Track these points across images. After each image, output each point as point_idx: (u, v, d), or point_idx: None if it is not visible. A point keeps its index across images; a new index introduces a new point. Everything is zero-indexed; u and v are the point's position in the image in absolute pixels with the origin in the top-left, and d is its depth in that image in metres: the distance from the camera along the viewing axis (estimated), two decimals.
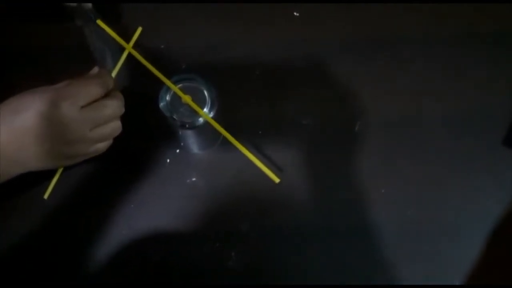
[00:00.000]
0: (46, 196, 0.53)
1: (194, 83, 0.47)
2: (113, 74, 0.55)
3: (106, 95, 0.48)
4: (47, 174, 0.54)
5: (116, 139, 0.52)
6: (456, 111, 0.57)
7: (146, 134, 0.56)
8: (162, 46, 0.58)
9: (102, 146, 0.50)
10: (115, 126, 0.49)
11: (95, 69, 0.51)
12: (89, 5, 0.54)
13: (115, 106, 0.48)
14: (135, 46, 0.57)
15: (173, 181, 0.55)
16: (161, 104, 0.46)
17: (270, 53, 0.59)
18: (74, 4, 0.54)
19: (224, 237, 0.53)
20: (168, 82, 0.47)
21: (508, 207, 0.54)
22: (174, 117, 0.46)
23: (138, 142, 0.55)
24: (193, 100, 0.46)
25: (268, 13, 0.60)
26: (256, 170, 0.55)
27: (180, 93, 0.46)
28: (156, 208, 0.54)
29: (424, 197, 0.55)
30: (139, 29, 0.58)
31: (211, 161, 0.55)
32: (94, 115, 0.46)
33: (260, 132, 0.56)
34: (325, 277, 0.53)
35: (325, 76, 0.58)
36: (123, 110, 0.49)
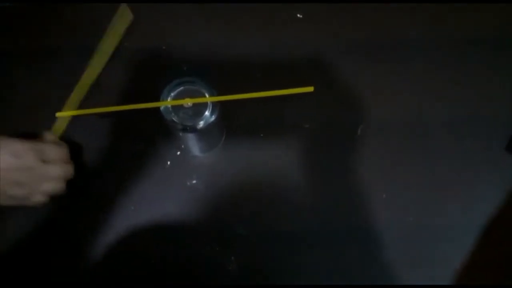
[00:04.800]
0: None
1: (195, 86, 0.46)
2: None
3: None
4: None
5: (118, 141, 0.52)
6: (459, 116, 0.57)
7: (147, 136, 0.55)
8: (164, 47, 0.58)
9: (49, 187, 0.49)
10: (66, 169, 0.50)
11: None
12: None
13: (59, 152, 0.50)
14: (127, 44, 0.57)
15: (173, 183, 0.54)
16: (162, 107, 0.45)
17: (271, 55, 0.58)
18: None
19: (224, 240, 0.53)
20: (159, 104, 0.46)
21: (501, 206, 0.54)
22: (175, 120, 0.45)
23: (139, 144, 0.55)
24: (194, 104, 0.46)
25: (271, 14, 0.59)
26: (256, 173, 0.54)
27: (179, 103, 0.45)
28: (156, 210, 0.53)
29: (426, 203, 0.54)
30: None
31: (211, 164, 0.55)
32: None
33: (261, 134, 0.56)
34: (324, 281, 0.52)
35: (327, 79, 0.58)
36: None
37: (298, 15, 0.59)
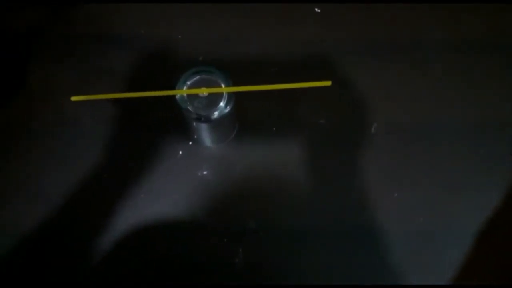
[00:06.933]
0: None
1: (211, 75, 0.46)
2: None
3: None
4: (48, 171, 0.54)
5: (130, 129, 0.52)
6: (472, 118, 0.56)
7: (160, 125, 0.55)
8: (180, 36, 0.57)
9: None
10: None
11: None
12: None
13: None
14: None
15: (184, 173, 0.54)
16: (178, 96, 0.45)
17: (288, 51, 0.57)
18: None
19: (232, 233, 0.53)
20: (174, 92, 0.45)
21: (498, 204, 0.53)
22: (190, 109, 0.45)
23: (151, 132, 0.55)
24: (209, 94, 0.45)
25: (289, 8, 0.59)
26: (268, 166, 0.54)
27: (194, 91, 0.45)
28: (165, 199, 0.53)
29: (437, 205, 0.54)
30: None
31: (223, 156, 0.55)
32: None
33: (274, 129, 0.55)
34: (332, 279, 0.52)
35: (343, 76, 0.57)
36: None
37: (316, 9, 0.59)
